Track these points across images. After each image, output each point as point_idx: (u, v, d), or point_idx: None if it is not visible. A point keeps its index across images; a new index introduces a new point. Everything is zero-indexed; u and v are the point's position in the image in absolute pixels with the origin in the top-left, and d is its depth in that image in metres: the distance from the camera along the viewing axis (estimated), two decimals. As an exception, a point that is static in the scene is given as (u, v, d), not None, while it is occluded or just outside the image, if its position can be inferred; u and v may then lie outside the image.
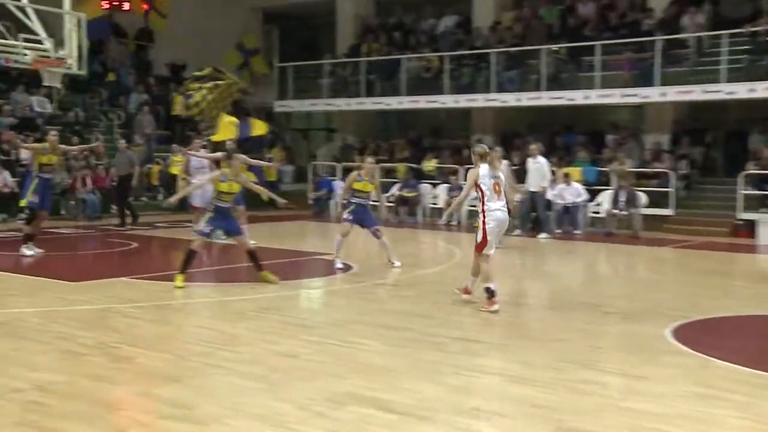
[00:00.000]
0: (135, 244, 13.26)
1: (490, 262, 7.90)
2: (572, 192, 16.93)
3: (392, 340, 6.66)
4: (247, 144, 18.50)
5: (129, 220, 16.44)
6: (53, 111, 20.17)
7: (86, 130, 19.79)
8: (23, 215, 11.82)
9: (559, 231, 16.71)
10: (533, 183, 15.67)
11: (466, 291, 8.33)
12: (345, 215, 10.89)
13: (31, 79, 18.97)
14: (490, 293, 7.79)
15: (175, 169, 19.64)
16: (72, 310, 7.68)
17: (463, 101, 20.20)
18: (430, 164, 20.52)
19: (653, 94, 17.48)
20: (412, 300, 8.75)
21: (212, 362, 5.83)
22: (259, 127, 18.70)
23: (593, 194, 17.41)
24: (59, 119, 19.97)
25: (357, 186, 10.94)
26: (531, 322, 7.59)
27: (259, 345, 6.40)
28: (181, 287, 8.82)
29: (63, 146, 12.22)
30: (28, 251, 11.24)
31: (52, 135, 11.52)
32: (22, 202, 11.48)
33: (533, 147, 16.02)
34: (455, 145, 21.14)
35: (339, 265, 10.76)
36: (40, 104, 19.76)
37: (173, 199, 9.83)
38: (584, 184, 17.44)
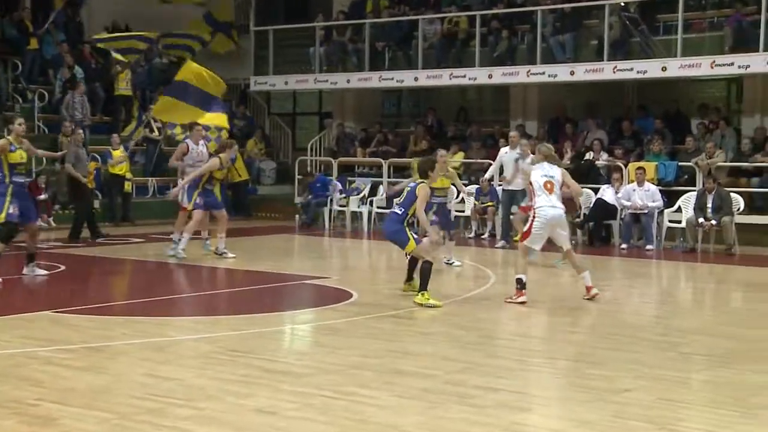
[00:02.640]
0: (62, 267, 13.31)
1: (530, 255, 10.66)
2: (644, 194, 16.92)
3: (404, 391, 6.65)
4: None
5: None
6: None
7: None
8: None
9: (626, 246, 16.70)
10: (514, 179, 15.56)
11: (588, 289, 10.66)
12: (432, 218, 12.12)
13: None
14: (521, 285, 10.27)
15: (116, 168, 19.75)
16: (-23, 354, 7.69)
17: (498, 76, 20.27)
18: (454, 159, 20.53)
19: (756, 62, 17.37)
20: (433, 338, 8.75)
21: (164, 423, 5.82)
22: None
23: (672, 198, 17.39)
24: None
25: (438, 184, 11.85)
26: (585, 368, 7.56)
27: (227, 399, 6.40)
28: (438, 305, 10.03)
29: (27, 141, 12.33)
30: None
31: (18, 124, 11.79)
32: (1, 218, 11.61)
33: (514, 134, 16.38)
34: (488, 135, 21.17)
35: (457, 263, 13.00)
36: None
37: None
38: (660, 185, 17.42)
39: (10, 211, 11.56)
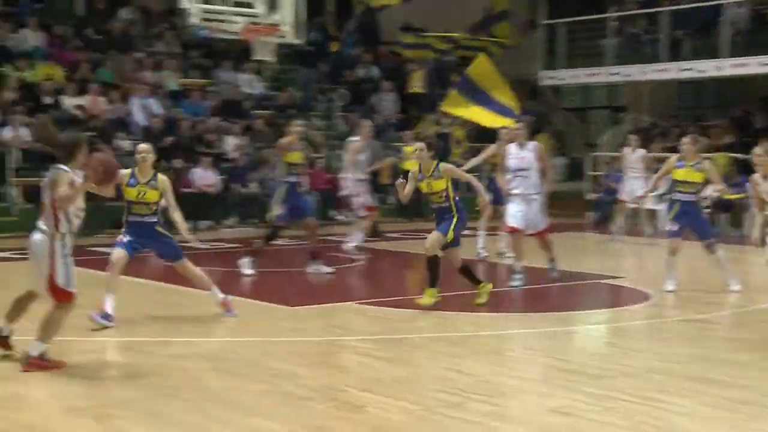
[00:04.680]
0: (362, 260, 13.94)
1: None
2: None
3: (713, 400, 6.43)
4: None
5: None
6: (264, 91, 21.71)
7: (302, 114, 21.08)
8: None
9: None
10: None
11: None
12: (670, 225, 10.70)
13: (239, 54, 20.59)
14: None
15: (409, 164, 20.39)
16: (291, 341, 8.24)
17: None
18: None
19: None
20: (745, 344, 8.35)
21: (463, 416, 5.96)
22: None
23: None
24: (270, 101, 21.48)
25: (679, 175, 10.67)
26: None
27: (525, 396, 6.49)
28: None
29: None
30: (248, 270, 11.85)
31: (297, 126, 11.92)
32: (271, 214, 12.02)
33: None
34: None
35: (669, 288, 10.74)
36: (249, 83, 21.40)
37: None
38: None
39: (278, 210, 11.61)
